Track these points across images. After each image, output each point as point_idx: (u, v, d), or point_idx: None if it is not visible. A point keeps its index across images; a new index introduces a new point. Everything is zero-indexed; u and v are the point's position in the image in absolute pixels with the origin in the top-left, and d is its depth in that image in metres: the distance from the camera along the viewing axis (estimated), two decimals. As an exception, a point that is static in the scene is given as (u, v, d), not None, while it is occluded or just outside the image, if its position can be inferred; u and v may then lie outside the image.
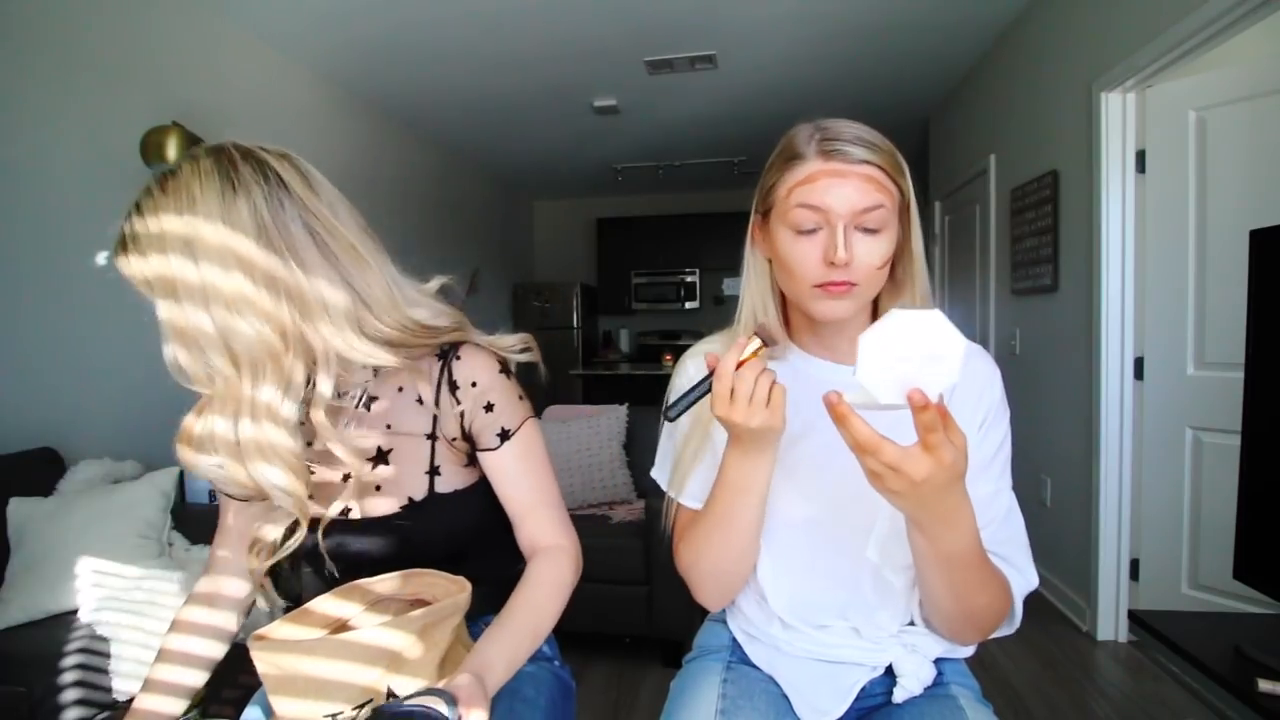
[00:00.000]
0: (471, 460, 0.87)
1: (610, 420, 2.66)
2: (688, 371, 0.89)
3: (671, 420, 0.74)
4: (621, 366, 5.92)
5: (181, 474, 2.15)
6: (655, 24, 3.04)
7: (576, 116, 4.29)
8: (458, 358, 0.83)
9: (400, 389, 0.84)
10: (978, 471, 0.76)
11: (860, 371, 0.60)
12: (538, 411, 0.91)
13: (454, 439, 0.84)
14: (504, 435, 0.83)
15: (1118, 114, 2.32)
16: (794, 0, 2.84)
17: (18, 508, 1.77)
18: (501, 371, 0.84)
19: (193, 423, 0.75)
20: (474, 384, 0.82)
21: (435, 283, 0.87)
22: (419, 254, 4.59)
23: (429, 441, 0.83)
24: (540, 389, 0.91)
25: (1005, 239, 3.19)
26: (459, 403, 0.82)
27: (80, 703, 1.46)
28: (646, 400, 2.79)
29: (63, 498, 1.85)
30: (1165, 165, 2.24)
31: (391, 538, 0.83)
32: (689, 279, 6.38)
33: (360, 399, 0.84)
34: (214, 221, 0.69)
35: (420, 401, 0.83)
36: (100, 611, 1.63)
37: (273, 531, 0.80)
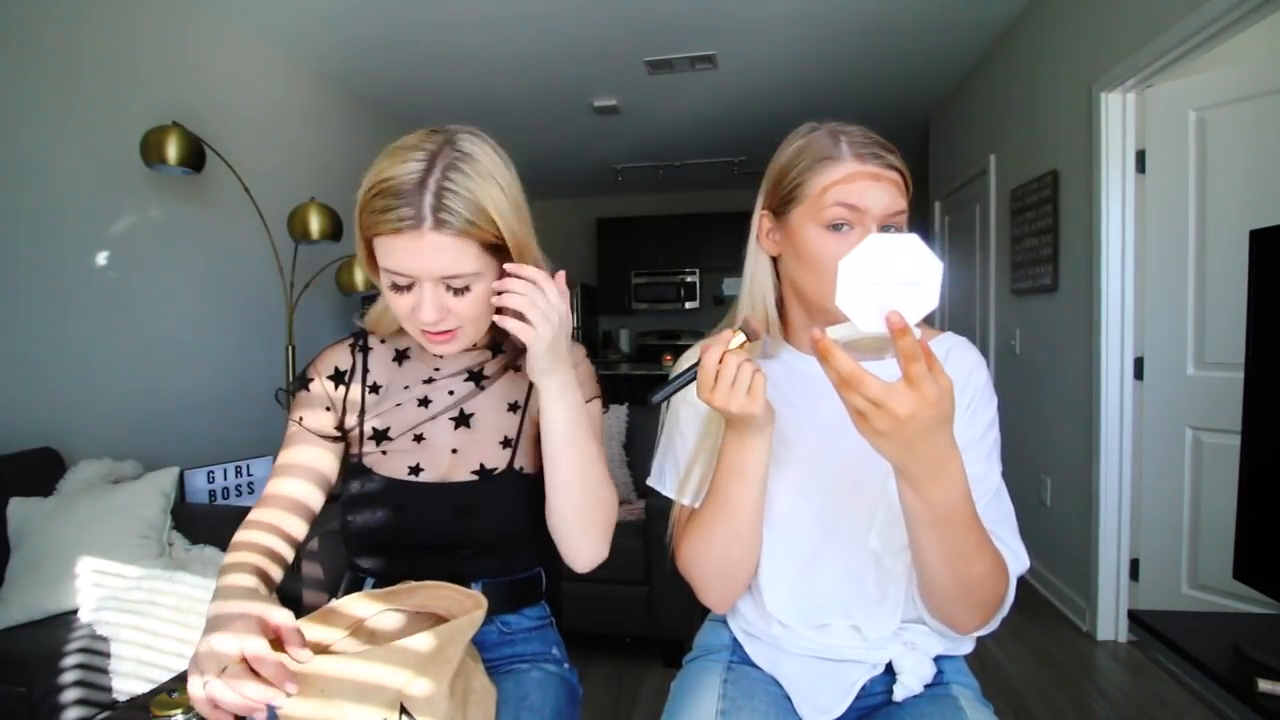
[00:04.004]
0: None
1: (610, 420, 2.66)
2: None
3: (654, 403, 0.77)
4: (621, 366, 5.91)
5: (181, 474, 2.15)
6: (655, 24, 3.03)
7: (576, 116, 4.29)
8: None
9: (504, 368, 0.93)
10: (966, 450, 0.77)
11: (840, 297, 0.60)
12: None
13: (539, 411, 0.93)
14: None
15: (1118, 114, 2.32)
16: (794, 0, 2.84)
17: (18, 508, 1.78)
18: (584, 357, 0.95)
19: None
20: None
21: None
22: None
23: (513, 413, 0.92)
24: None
25: (1005, 239, 3.19)
26: None
27: (80, 703, 1.46)
28: (646, 400, 2.79)
29: (63, 498, 1.85)
30: (1165, 165, 2.24)
31: (456, 506, 0.88)
32: (689, 279, 6.38)
33: (476, 373, 0.93)
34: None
35: (517, 370, 0.93)
36: (100, 611, 1.63)
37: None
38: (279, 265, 2.79)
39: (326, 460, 0.91)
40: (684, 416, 0.90)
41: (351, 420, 0.92)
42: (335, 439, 0.92)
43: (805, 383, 0.85)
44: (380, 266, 0.77)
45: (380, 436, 0.91)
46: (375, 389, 0.93)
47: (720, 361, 0.71)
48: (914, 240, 0.60)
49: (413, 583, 0.79)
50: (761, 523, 0.80)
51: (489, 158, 0.78)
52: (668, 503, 0.93)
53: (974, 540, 0.67)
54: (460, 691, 0.72)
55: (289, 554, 0.85)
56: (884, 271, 0.59)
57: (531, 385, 0.91)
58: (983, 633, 0.78)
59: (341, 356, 0.93)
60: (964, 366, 0.82)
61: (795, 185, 0.79)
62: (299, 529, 0.87)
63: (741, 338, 0.73)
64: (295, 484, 0.88)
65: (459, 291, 0.77)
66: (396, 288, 0.78)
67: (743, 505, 0.78)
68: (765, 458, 0.78)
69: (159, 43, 2.56)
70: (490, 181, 0.76)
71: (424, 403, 0.92)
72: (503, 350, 0.93)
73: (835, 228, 0.76)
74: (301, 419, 0.90)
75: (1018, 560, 0.76)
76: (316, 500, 0.90)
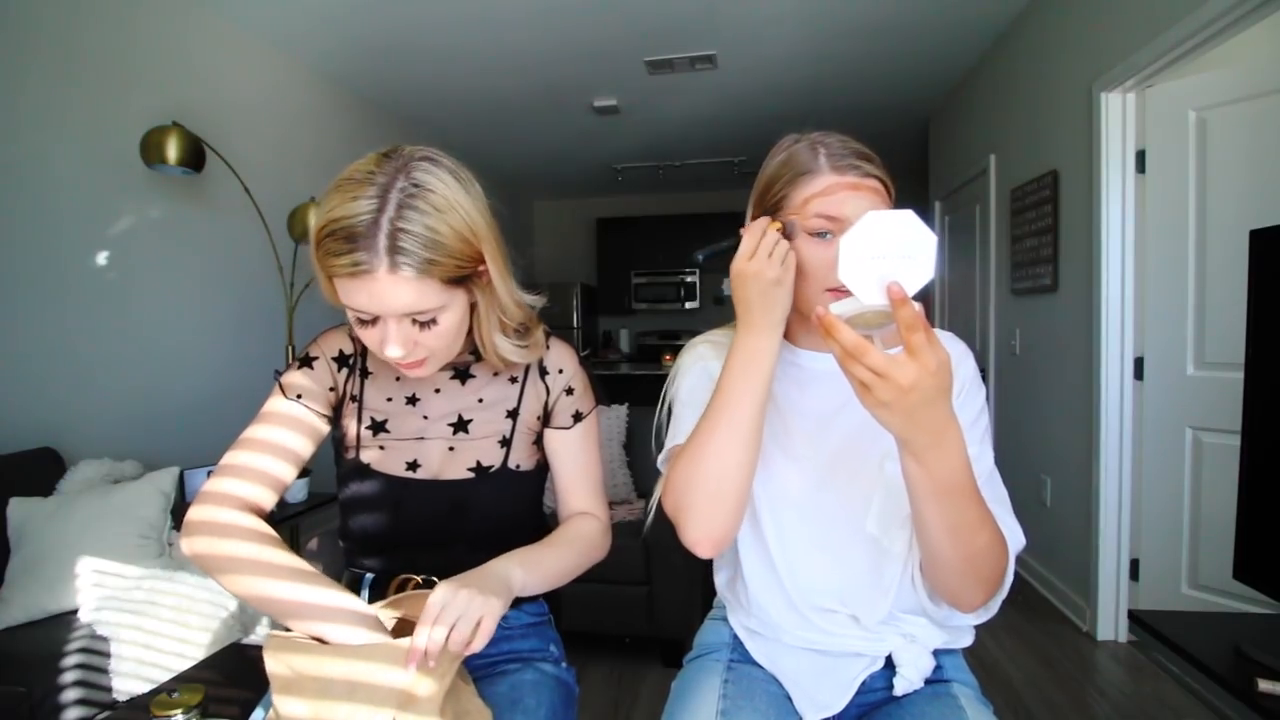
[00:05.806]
0: (537, 440, 0.97)
1: (610, 420, 2.66)
2: (696, 351, 0.93)
3: (699, 261, 0.84)
4: (621, 366, 5.91)
5: (182, 474, 2.15)
6: (655, 24, 3.03)
7: (576, 116, 4.29)
8: (547, 347, 0.95)
9: (495, 373, 0.94)
10: None
11: (841, 272, 0.64)
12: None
13: (536, 416, 0.95)
14: (577, 417, 0.96)
15: (1118, 114, 2.32)
16: (794, 0, 2.84)
17: (18, 508, 1.77)
18: (580, 363, 0.98)
19: None
20: (561, 370, 0.95)
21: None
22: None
23: (510, 419, 0.94)
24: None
25: (1005, 239, 3.19)
26: (547, 387, 0.95)
27: (80, 703, 1.46)
28: (646, 400, 2.78)
29: (63, 498, 1.85)
30: (1165, 165, 2.24)
31: (453, 501, 0.90)
32: (689, 279, 6.38)
33: (462, 371, 0.94)
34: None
35: (512, 381, 0.94)
36: (100, 611, 1.63)
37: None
38: (279, 265, 2.79)
39: (306, 446, 0.88)
40: (686, 388, 0.91)
41: (349, 407, 0.92)
42: (327, 418, 0.90)
43: (798, 373, 0.89)
44: (343, 301, 0.76)
45: (377, 428, 0.91)
46: (367, 374, 0.94)
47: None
48: (909, 215, 0.63)
49: (395, 596, 0.79)
50: (760, 435, 0.79)
51: (446, 185, 0.74)
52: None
53: (976, 513, 0.69)
54: (451, 713, 0.71)
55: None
56: (882, 246, 0.63)
57: (524, 391, 0.95)
58: (982, 618, 0.79)
59: (344, 340, 0.93)
60: (951, 357, 0.84)
61: (780, 197, 0.83)
62: (271, 502, 0.84)
63: (779, 226, 0.80)
64: (274, 462, 0.84)
65: (425, 325, 0.76)
66: (361, 322, 0.77)
67: (746, 404, 0.77)
68: (773, 358, 0.78)
69: (159, 43, 2.56)
70: (450, 213, 0.73)
71: (412, 400, 0.92)
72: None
73: (820, 235, 0.79)
74: (300, 395, 0.87)
75: (1015, 539, 0.78)
76: (290, 478, 0.86)
